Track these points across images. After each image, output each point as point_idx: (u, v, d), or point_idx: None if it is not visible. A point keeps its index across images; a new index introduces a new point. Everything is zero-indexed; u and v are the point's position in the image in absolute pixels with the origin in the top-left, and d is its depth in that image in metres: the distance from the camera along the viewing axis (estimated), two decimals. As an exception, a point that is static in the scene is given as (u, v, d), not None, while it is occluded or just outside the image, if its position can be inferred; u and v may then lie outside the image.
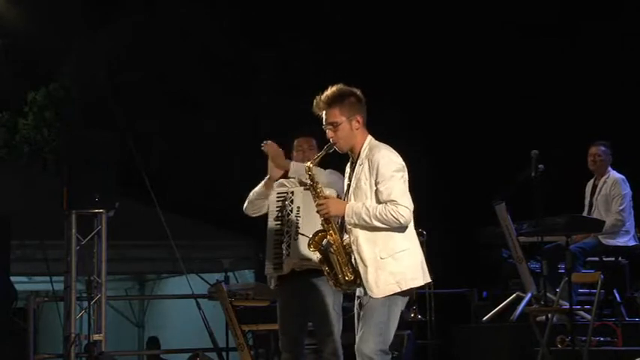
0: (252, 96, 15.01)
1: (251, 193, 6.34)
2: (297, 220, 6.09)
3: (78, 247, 8.68)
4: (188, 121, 15.40)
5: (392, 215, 5.12)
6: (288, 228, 6.16)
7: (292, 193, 6.23)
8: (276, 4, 14.74)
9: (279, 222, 6.24)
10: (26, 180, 12.72)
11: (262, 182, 6.29)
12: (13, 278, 9.55)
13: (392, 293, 5.16)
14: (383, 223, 5.14)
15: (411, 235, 5.27)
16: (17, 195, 10.98)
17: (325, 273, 5.33)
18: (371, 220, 5.14)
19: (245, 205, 6.39)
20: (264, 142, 6.18)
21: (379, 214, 5.13)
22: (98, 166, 8.68)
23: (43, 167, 16.66)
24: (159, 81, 15.88)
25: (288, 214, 6.18)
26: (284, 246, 6.15)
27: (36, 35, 15.40)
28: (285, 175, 6.30)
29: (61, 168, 9.23)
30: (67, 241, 8.72)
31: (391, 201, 5.14)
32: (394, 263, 5.17)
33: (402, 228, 5.19)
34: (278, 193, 6.30)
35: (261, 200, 6.32)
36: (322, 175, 5.92)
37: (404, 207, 5.13)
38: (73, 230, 8.66)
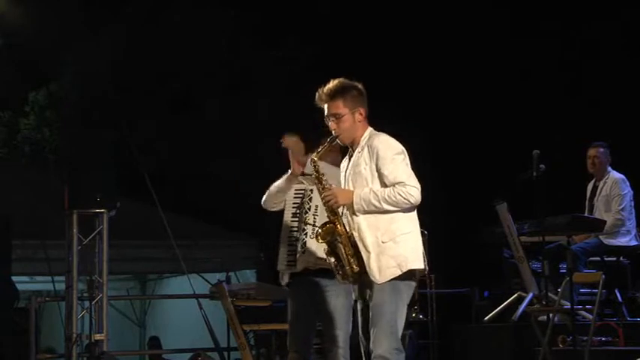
0: (252, 96, 15.01)
1: (272, 187, 6.21)
2: (315, 218, 6.05)
3: (79, 247, 8.69)
4: (189, 121, 15.40)
5: (401, 196, 5.12)
6: (305, 226, 6.11)
7: (311, 191, 6.11)
8: (277, 5, 14.74)
9: (295, 219, 6.16)
10: (27, 180, 12.73)
11: (284, 177, 6.17)
12: (14, 278, 9.55)
13: (394, 277, 5.16)
14: (393, 206, 5.14)
15: (412, 219, 5.28)
16: (18, 195, 10.99)
17: (332, 265, 5.32)
18: (381, 204, 5.15)
19: (264, 198, 6.26)
20: (284, 136, 6.11)
21: (388, 196, 5.14)
22: (99, 166, 8.69)
23: (44, 167, 16.65)
24: (159, 81, 15.88)
25: (306, 212, 6.10)
26: (299, 243, 6.09)
27: (37, 35, 15.40)
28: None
29: (61, 168, 9.24)
30: (68, 240, 8.72)
31: (398, 183, 5.14)
32: (395, 247, 5.18)
33: (403, 211, 5.19)
34: (296, 190, 6.22)
35: (281, 194, 6.19)
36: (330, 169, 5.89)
37: (412, 187, 5.15)
38: (75, 230, 8.66)
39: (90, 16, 15.68)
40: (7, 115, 18.39)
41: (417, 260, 5.25)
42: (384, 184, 5.20)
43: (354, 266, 5.25)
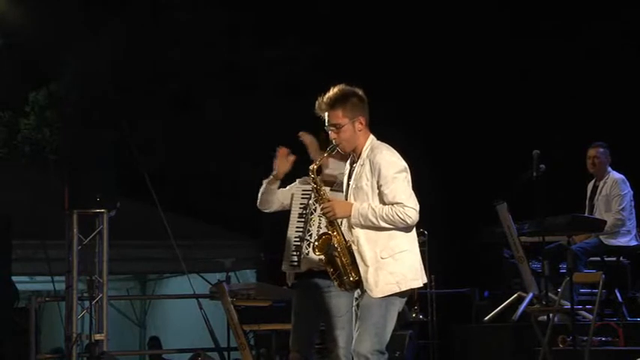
0: (255, 96, 15.01)
1: (260, 191, 6.29)
2: (320, 219, 6.04)
3: (79, 247, 8.69)
4: (190, 121, 15.40)
5: (399, 216, 5.13)
6: (310, 227, 6.10)
7: None
8: (277, 5, 14.74)
9: (302, 219, 6.17)
10: (27, 180, 12.73)
11: (267, 179, 6.23)
12: (14, 278, 9.56)
13: (391, 293, 5.17)
14: (390, 224, 5.15)
15: (412, 236, 5.28)
16: (18, 195, 10.98)
17: (330, 274, 5.34)
18: (378, 222, 5.15)
19: (258, 201, 6.31)
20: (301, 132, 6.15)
21: (386, 215, 5.14)
22: (99, 166, 8.69)
23: (44, 167, 16.66)
24: (159, 81, 15.88)
25: (312, 213, 6.11)
26: (304, 244, 6.11)
27: (37, 35, 15.41)
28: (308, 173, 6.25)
29: (61, 168, 9.24)
30: (68, 241, 8.72)
31: (397, 203, 5.14)
32: (394, 263, 5.18)
33: (405, 228, 5.19)
34: (303, 191, 6.23)
35: (268, 195, 6.24)
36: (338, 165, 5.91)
37: (410, 208, 5.14)
38: (75, 230, 8.66)
39: (90, 16, 15.68)
40: (8, 115, 18.40)
41: (415, 279, 5.25)
42: (383, 202, 5.19)
43: (353, 275, 5.25)
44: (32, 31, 15.32)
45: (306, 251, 6.06)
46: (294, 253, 6.16)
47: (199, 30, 15.49)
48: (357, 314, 5.28)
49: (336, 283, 5.34)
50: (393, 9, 13.60)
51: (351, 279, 5.24)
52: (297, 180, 6.36)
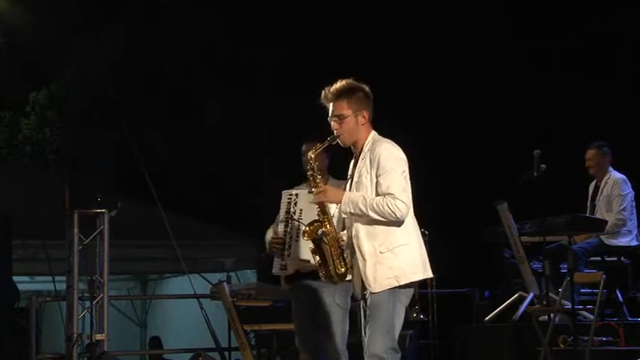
0: (256, 95, 15.01)
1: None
2: (300, 222, 6.08)
3: (80, 247, 8.69)
4: (191, 120, 15.41)
5: (388, 208, 5.12)
6: (290, 230, 6.16)
7: (297, 195, 6.23)
8: (277, 5, 14.74)
9: (285, 223, 6.25)
10: (28, 180, 12.74)
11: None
12: (15, 278, 9.57)
13: (390, 287, 5.16)
14: (378, 215, 5.14)
15: (411, 230, 5.27)
16: (19, 195, 10.99)
17: (317, 264, 5.35)
18: (367, 210, 5.15)
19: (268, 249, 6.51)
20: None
21: (376, 205, 5.14)
22: (99, 166, 8.70)
23: (45, 167, 16.66)
24: (160, 81, 15.88)
25: (292, 216, 6.18)
26: (286, 247, 6.17)
27: (37, 35, 15.41)
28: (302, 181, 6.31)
29: (62, 168, 9.26)
30: (69, 240, 8.73)
31: (389, 194, 5.14)
32: (393, 257, 5.18)
33: (400, 222, 5.19)
34: (288, 195, 6.31)
35: None
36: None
37: (401, 201, 5.13)
38: (75, 230, 8.67)
39: (90, 16, 15.68)
40: (8, 115, 18.42)
41: (415, 273, 5.25)
42: (377, 192, 5.20)
43: (339, 267, 5.27)
44: (32, 31, 15.32)
45: (287, 253, 6.16)
46: (282, 256, 6.24)
47: (199, 30, 15.48)
48: (365, 313, 5.27)
49: (321, 274, 5.35)
50: (394, 8, 13.59)
51: (338, 271, 5.27)
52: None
